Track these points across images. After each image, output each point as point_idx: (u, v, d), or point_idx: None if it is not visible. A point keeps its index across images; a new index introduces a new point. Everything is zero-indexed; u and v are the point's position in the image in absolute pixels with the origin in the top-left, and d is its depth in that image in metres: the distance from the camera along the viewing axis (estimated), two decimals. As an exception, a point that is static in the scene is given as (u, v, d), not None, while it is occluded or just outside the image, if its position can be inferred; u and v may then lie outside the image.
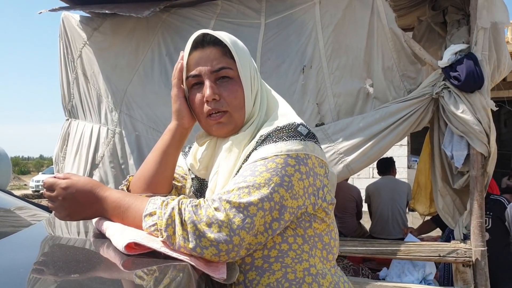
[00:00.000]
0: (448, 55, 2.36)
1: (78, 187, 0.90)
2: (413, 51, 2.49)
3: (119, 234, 0.81)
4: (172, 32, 2.94)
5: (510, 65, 2.53)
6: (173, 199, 0.83)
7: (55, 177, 0.93)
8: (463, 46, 2.37)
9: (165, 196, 0.90)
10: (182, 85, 1.02)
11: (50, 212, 1.34)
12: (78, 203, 0.90)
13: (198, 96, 0.97)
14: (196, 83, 0.98)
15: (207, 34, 0.97)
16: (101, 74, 3.06)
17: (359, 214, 4.42)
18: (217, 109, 0.96)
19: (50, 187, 0.92)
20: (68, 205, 0.90)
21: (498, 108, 2.48)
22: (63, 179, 0.92)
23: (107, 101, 3.06)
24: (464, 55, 2.35)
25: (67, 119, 3.31)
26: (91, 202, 0.90)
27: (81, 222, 1.07)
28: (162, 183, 1.03)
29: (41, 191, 17.32)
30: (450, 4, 2.68)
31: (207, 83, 0.95)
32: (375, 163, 4.10)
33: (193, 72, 0.97)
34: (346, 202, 4.19)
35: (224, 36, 0.97)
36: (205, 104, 0.96)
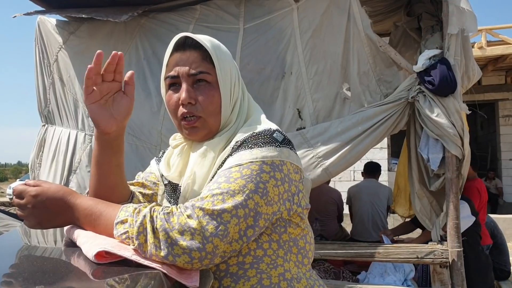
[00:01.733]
0: (423, 60, 2.41)
1: (48, 194, 0.88)
2: (389, 56, 2.54)
3: (90, 243, 0.79)
4: (150, 36, 2.92)
5: (479, 71, 2.60)
6: (145, 207, 0.82)
7: (25, 184, 0.91)
8: (436, 52, 2.43)
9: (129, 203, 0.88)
10: (93, 89, 0.91)
11: (22, 220, 1.31)
12: (49, 211, 0.88)
13: (174, 97, 0.97)
14: (174, 83, 0.98)
15: (189, 37, 0.97)
16: (77, 78, 3.01)
17: (340, 217, 4.45)
18: (192, 113, 0.95)
19: (20, 195, 0.89)
20: (38, 213, 0.87)
21: (471, 112, 2.54)
22: (34, 186, 0.89)
23: (83, 105, 3.01)
24: (437, 60, 2.40)
25: (44, 125, 3.25)
26: (62, 209, 0.88)
27: (52, 230, 1.04)
28: (110, 193, 0.98)
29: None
30: (425, 10, 2.74)
31: (184, 86, 0.95)
32: (355, 165, 4.15)
33: (171, 73, 0.97)
34: (327, 205, 4.22)
35: (205, 40, 0.97)
36: (181, 106, 0.96)
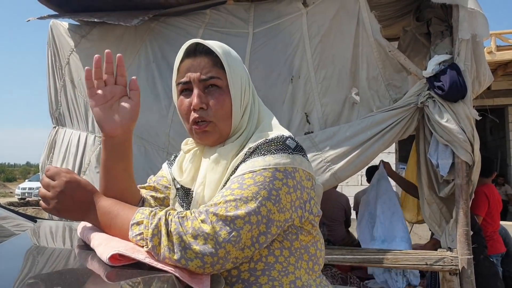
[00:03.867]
0: (432, 65, 2.40)
1: (80, 184, 0.91)
2: (398, 61, 2.53)
3: (104, 245, 0.80)
4: (160, 40, 2.94)
5: (491, 76, 2.58)
6: (161, 210, 0.83)
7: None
8: (446, 57, 2.42)
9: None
10: (96, 93, 0.95)
11: (35, 221, 1.32)
12: (73, 200, 0.89)
13: (186, 103, 0.99)
14: (185, 89, 1.00)
15: (200, 43, 0.99)
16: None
17: (347, 222, 4.43)
18: (203, 118, 0.97)
19: (53, 176, 0.90)
20: (64, 199, 0.88)
21: (481, 117, 2.53)
22: (66, 173, 0.91)
23: (94, 108, 3.04)
24: (447, 65, 2.39)
25: (54, 127, 3.28)
26: (85, 203, 0.90)
27: (61, 232, 1.06)
28: (119, 197, 0.97)
29: (27, 199, 17.02)
30: (434, 15, 2.73)
31: (195, 91, 0.96)
32: (363, 170, 4.12)
33: (183, 79, 0.98)
34: (335, 210, 4.20)
35: (216, 46, 0.98)
36: (192, 111, 0.97)
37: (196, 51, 0.98)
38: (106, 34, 3.02)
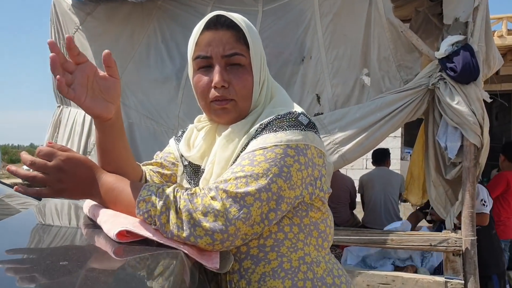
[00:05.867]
0: (445, 46, 2.35)
1: (80, 161, 0.84)
2: (410, 41, 2.48)
3: (111, 222, 0.79)
4: (168, 18, 2.90)
5: (501, 60, 2.53)
6: (168, 187, 0.81)
7: (51, 146, 0.85)
8: (460, 38, 2.37)
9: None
10: (71, 85, 0.82)
11: (40, 199, 1.31)
12: (76, 178, 0.83)
13: (205, 79, 0.93)
14: (204, 65, 0.93)
15: (222, 15, 0.92)
16: (94, 61, 3.00)
17: (352, 204, 4.44)
18: (224, 97, 0.92)
19: (48, 156, 0.82)
20: (66, 178, 0.82)
21: (492, 100, 2.48)
22: (61, 150, 0.84)
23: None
24: (460, 46, 2.34)
25: (59, 106, 3.26)
26: (88, 180, 0.85)
27: (66, 210, 1.04)
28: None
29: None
30: (448, -5, 2.65)
31: (217, 68, 0.91)
32: (369, 153, 4.10)
33: (203, 53, 0.92)
34: (340, 193, 4.21)
35: (240, 20, 0.92)
36: (212, 89, 0.92)
37: (218, 23, 0.91)
38: (112, 13, 2.97)
